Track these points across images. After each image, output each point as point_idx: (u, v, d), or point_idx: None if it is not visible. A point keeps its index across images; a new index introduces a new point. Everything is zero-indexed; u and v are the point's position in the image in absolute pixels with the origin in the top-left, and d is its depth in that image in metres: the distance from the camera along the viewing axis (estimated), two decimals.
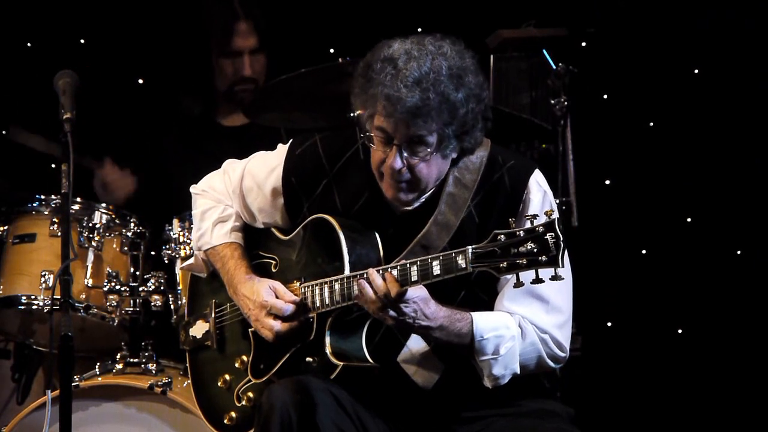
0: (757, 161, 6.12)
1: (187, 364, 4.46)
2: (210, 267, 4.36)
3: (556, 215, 3.62)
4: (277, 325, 4.05)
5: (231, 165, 4.35)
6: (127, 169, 5.80)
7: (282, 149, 4.21)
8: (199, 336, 4.40)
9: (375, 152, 3.93)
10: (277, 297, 4.07)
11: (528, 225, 3.62)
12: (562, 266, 3.57)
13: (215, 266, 4.30)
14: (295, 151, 4.17)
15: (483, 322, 3.90)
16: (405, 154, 3.86)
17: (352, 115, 3.97)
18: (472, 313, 3.91)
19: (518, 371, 3.93)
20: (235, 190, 4.28)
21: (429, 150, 3.86)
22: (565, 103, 5.27)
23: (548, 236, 3.57)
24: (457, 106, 3.83)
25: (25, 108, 5.86)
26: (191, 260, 4.43)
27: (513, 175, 3.99)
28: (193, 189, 4.40)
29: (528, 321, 3.94)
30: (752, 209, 6.14)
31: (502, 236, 3.65)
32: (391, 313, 3.80)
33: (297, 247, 4.13)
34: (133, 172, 5.80)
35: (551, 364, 3.99)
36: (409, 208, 4.00)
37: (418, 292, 3.81)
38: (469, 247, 3.70)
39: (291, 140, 4.21)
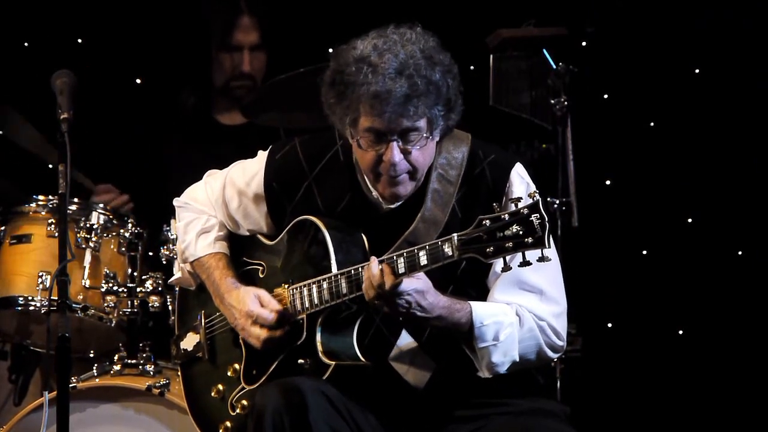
0: (757, 161, 6.11)
1: (180, 378, 4.44)
2: (197, 279, 4.34)
3: (539, 196, 3.61)
4: (264, 334, 4.04)
5: (212, 176, 4.35)
6: (116, 191, 5.72)
7: (262, 155, 4.20)
8: (190, 348, 4.37)
9: (366, 154, 3.91)
10: (262, 306, 4.06)
11: (512, 208, 3.62)
12: (549, 246, 3.57)
13: (201, 277, 4.28)
14: (275, 156, 4.16)
15: (482, 309, 3.90)
16: (400, 146, 3.86)
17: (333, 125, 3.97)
18: (470, 302, 3.90)
19: (517, 359, 3.91)
20: (218, 200, 4.26)
21: (423, 135, 3.86)
22: (565, 103, 5.27)
23: (533, 217, 3.57)
24: (440, 85, 3.84)
25: (22, 108, 5.83)
26: (178, 274, 4.42)
27: (494, 169, 3.99)
28: (175, 202, 4.38)
29: (525, 309, 3.94)
30: (752, 209, 6.13)
31: (487, 221, 3.65)
32: (385, 307, 3.81)
33: (283, 250, 4.12)
34: (125, 191, 5.71)
35: (550, 353, 3.98)
36: (393, 206, 4.00)
37: (414, 284, 3.79)
38: (455, 234, 3.70)
39: (270, 146, 4.21)
